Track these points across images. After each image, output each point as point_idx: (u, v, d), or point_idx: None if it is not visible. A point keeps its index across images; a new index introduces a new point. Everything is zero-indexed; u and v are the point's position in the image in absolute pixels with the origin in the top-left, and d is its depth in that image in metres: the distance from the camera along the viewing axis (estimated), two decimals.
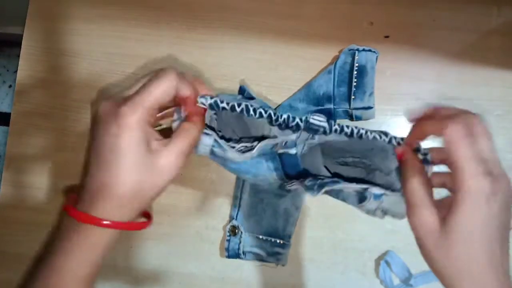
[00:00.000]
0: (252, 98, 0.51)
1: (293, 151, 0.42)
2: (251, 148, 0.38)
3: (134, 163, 0.27)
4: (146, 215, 0.33)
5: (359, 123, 0.54)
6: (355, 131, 0.38)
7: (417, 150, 0.35)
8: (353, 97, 0.53)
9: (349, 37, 0.56)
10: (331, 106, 0.52)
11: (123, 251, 0.55)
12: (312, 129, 0.37)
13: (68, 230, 0.30)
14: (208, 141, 0.36)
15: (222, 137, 0.38)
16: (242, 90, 0.54)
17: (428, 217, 0.27)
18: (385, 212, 0.41)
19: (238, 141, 0.41)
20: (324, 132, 0.38)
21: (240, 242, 0.54)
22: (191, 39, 0.57)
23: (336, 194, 0.44)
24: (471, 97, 0.55)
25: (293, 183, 0.44)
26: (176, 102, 0.33)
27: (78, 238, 0.29)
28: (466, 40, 0.56)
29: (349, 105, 0.53)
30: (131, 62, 0.57)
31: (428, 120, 0.31)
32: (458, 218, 0.25)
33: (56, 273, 0.29)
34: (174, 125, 0.35)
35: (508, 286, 0.24)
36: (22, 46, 0.57)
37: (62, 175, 0.56)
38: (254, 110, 0.36)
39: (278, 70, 0.56)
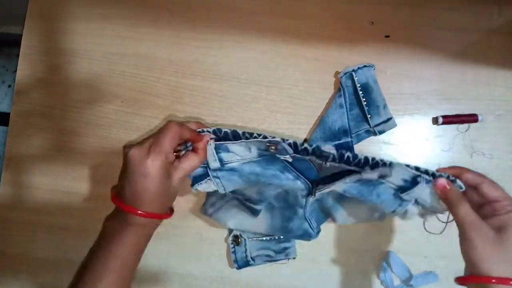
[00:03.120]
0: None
1: (289, 158, 0.47)
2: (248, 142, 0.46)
3: (157, 194, 0.41)
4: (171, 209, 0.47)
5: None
6: (380, 162, 0.45)
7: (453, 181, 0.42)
8: (369, 115, 0.53)
9: (349, 37, 0.56)
10: (348, 139, 0.53)
11: None
12: (322, 156, 0.45)
13: (118, 218, 0.42)
14: (215, 164, 0.47)
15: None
16: (217, 131, 0.48)
17: (487, 230, 0.37)
18: (423, 208, 0.44)
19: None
20: (334, 160, 0.45)
21: (246, 249, 0.54)
22: (191, 39, 0.57)
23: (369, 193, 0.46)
24: (472, 97, 0.55)
25: (322, 188, 0.48)
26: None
27: (124, 224, 0.41)
28: (466, 40, 0.56)
29: (369, 124, 0.53)
30: (131, 62, 0.57)
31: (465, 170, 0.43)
32: (510, 234, 0.36)
33: (107, 251, 0.40)
34: (181, 154, 0.46)
35: None
36: (21, 46, 0.57)
37: (62, 175, 0.56)
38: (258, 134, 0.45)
39: (278, 70, 0.56)
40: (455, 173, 0.42)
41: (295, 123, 0.55)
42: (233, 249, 0.54)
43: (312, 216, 0.52)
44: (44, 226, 0.56)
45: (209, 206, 0.53)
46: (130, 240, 0.41)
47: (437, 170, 0.43)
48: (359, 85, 0.53)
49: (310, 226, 0.51)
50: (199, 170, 0.48)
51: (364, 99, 0.53)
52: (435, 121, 0.55)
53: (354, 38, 0.56)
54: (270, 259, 0.54)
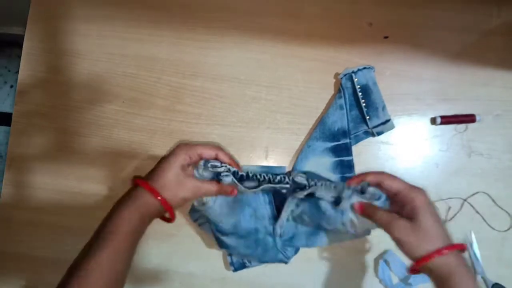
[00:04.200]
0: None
1: (284, 190, 0.50)
2: (256, 186, 0.49)
3: (170, 177, 0.45)
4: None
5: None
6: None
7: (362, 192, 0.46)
8: (368, 117, 0.53)
9: (349, 38, 0.56)
10: (347, 140, 0.53)
11: None
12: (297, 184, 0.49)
13: (132, 195, 0.44)
14: (228, 180, 0.48)
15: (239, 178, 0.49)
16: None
17: (403, 222, 0.40)
18: (354, 227, 0.45)
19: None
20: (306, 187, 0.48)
21: None
22: (191, 39, 0.57)
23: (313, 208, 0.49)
24: (470, 97, 0.55)
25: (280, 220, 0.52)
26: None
27: (137, 198, 0.43)
28: (466, 40, 0.56)
29: (367, 125, 0.53)
30: (132, 63, 0.57)
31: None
32: (420, 218, 0.40)
33: (116, 216, 0.43)
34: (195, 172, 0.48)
35: (450, 243, 0.40)
36: (23, 47, 0.58)
37: (63, 175, 0.57)
38: (254, 176, 0.49)
39: (278, 70, 0.56)
40: (358, 180, 0.45)
41: (294, 123, 0.56)
42: (230, 253, 0.54)
43: (285, 246, 0.53)
44: (46, 225, 0.56)
45: (196, 217, 0.54)
46: (134, 220, 0.42)
47: (346, 184, 0.45)
48: (358, 86, 0.53)
49: (284, 255, 0.52)
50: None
51: (363, 101, 0.53)
52: (433, 121, 0.55)
53: (353, 39, 0.56)
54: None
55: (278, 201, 0.51)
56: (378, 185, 0.44)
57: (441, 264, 0.38)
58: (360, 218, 0.44)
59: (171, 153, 0.46)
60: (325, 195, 0.46)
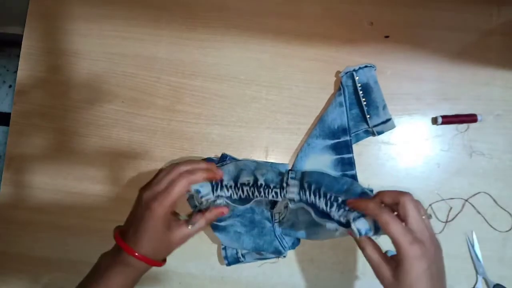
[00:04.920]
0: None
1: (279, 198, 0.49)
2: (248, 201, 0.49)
3: (154, 238, 0.44)
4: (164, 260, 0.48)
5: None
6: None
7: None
8: (368, 116, 0.53)
9: (349, 37, 0.56)
10: (347, 138, 0.53)
11: None
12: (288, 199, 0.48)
13: (122, 260, 0.44)
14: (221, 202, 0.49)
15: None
16: (224, 157, 0.54)
17: (385, 272, 0.39)
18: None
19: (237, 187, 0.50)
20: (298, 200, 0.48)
21: None
22: (191, 39, 0.57)
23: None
24: (471, 97, 0.55)
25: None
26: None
27: (117, 262, 0.44)
28: (466, 40, 0.56)
29: (368, 124, 0.53)
30: (131, 62, 0.57)
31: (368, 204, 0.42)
32: (402, 273, 0.37)
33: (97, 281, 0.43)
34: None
35: None
36: (22, 46, 0.57)
37: (62, 175, 0.56)
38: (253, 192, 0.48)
39: (278, 70, 0.56)
40: (359, 205, 0.42)
41: (294, 123, 0.55)
42: (224, 246, 0.54)
43: (283, 234, 0.53)
44: (45, 226, 0.56)
45: (194, 203, 0.53)
46: (118, 279, 0.43)
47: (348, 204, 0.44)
48: (359, 85, 0.53)
49: (281, 245, 0.52)
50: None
51: (364, 99, 0.53)
52: (434, 121, 0.55)
53: (354, 38, 0.56)
54: (260, 257, 0.54)
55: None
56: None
57: None
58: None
59: (149, 216, 0.43)
60: (320, 220, 0.45)
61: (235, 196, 0.49)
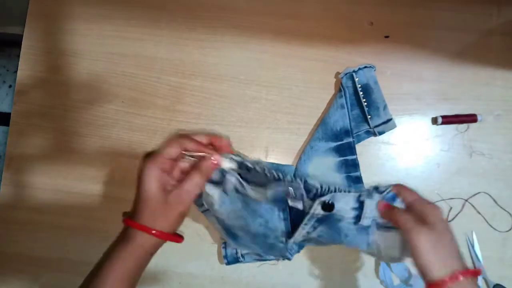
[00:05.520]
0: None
1: (300, 206, 0.45)
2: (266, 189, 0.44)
3: (156, 206, 0.41)
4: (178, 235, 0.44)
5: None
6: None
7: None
8: (369, 116, 0.53)
9: (349, 37, 0.56)
10: (350, 139, 0.53)
11: None
12: (308, 189, 0.43)
13: (126, 236, 0.41)
14: (232, 179, 0.43)
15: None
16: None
17: (425, 230, 0.37)
18: (379, 252, 0.43)
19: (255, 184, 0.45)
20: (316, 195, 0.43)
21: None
22: (191, 39, 0.57)
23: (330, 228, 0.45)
24: (471, 97, 0.55)
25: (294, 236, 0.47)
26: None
27: (130, 241, 0.41)
28: (466, 40, 0.56)
29: (369, 124, 0.53)
30: (131, 62, 0.57)
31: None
32: (439, 231, 0.37)
33: (109, 263, 0.40)
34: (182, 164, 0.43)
35: (464, 263, 0.37)
36: (22, 46, 0.57)
37: (62, 175, 0.56)
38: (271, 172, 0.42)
39: (278, 70, 0.56)
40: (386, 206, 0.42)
41: (294, 123, 0.55)
42: (224, 245, 0.54)
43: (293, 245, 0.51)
44: (45, 225, 0.56)
45: (200, 202, 0.49)
46: (122, 256, 0.40)
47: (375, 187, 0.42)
48: (359, 85, 0.53)
49: (289, 253, 0.51)
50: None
51: (364, 100, 0.53)
52: (434, 121, 0.55)
53: (354, 38, 0.56)
54: (259, 258, 0.54)
55: (293, 214, 0.47)
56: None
57: None
58: (386, 242, 0.42)
59: (142, 176, 0.41)
60: (345, 206, 0.42)
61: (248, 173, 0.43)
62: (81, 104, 0.57)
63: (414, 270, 0.53)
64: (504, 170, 0.54)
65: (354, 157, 0.53)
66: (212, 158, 0.42)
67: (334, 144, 0.53)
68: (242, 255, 0.53)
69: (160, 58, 0.57)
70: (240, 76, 0.56)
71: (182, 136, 0.42)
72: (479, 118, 0.54)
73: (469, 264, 0.53)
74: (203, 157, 0.42)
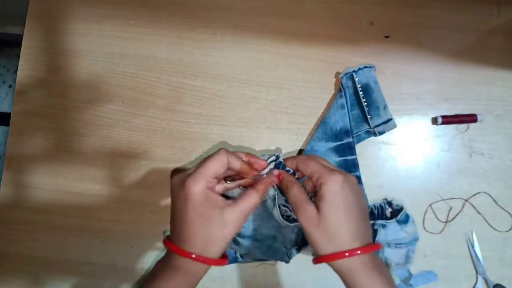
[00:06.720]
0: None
1: None
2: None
3: (201, 220, 0.37)
4: (224, 255, 0.41)
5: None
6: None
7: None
8: (369, 116, 0.53)
9: (349, 37, 0.56)
10: (350, 139, 0.53)
11: (123, 251, 0.55)
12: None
13: (176, 266, 0.39)
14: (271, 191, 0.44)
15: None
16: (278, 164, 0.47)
17: (310, 210, 0.37)
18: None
19: None
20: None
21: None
22: (191, 39, 0.57)
23: None
24: (471, 97, 0.55)
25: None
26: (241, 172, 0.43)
27: (181, 272, 0.38)
28: (466, 40, 0.56)
29: (369, 124, 0.53)
30: (131, 62, 0.57)
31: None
32: (325, 209, 0.36)
33: None
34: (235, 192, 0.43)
35: (361, 244, 0.36)
36: (22, 46, 0.57)
37: (62, 175, 0.56)
38: None
39: (278, 70, 0.56)
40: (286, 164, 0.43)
41: (294, 123, 0.55)
42: None
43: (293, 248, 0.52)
44: (45, 226, 0.56)
45: None
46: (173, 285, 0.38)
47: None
48: (359, 85, 0.53)
49: (289, 257, 0.51)
50: None
51: (364, 100, 0.53)
52: (434, 121, 0.55)
53: (354, 38, 0.56)
54: (258, 259, 0.54)
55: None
56: (297, 171, 0.41)
57: (343, 267, 0.35)
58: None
59: (189, 195, 0.37)
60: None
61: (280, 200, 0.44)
62: (81, 104, 0.57)
63: (414, 270, 0.53)
64: (504, 170, 0.54)
65: (354, 157, 0.53)
66: (273, 178, 0.41)
67: (334, 144, 0.53)
68: (241, 255, 0.53)
69: (160, 58, 0.57)
70: (240, 76, 0.56)
71: (228, 153, 0.40)
72: (479, 118, 0.54)
73: (469, 264, 0.53)
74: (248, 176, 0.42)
